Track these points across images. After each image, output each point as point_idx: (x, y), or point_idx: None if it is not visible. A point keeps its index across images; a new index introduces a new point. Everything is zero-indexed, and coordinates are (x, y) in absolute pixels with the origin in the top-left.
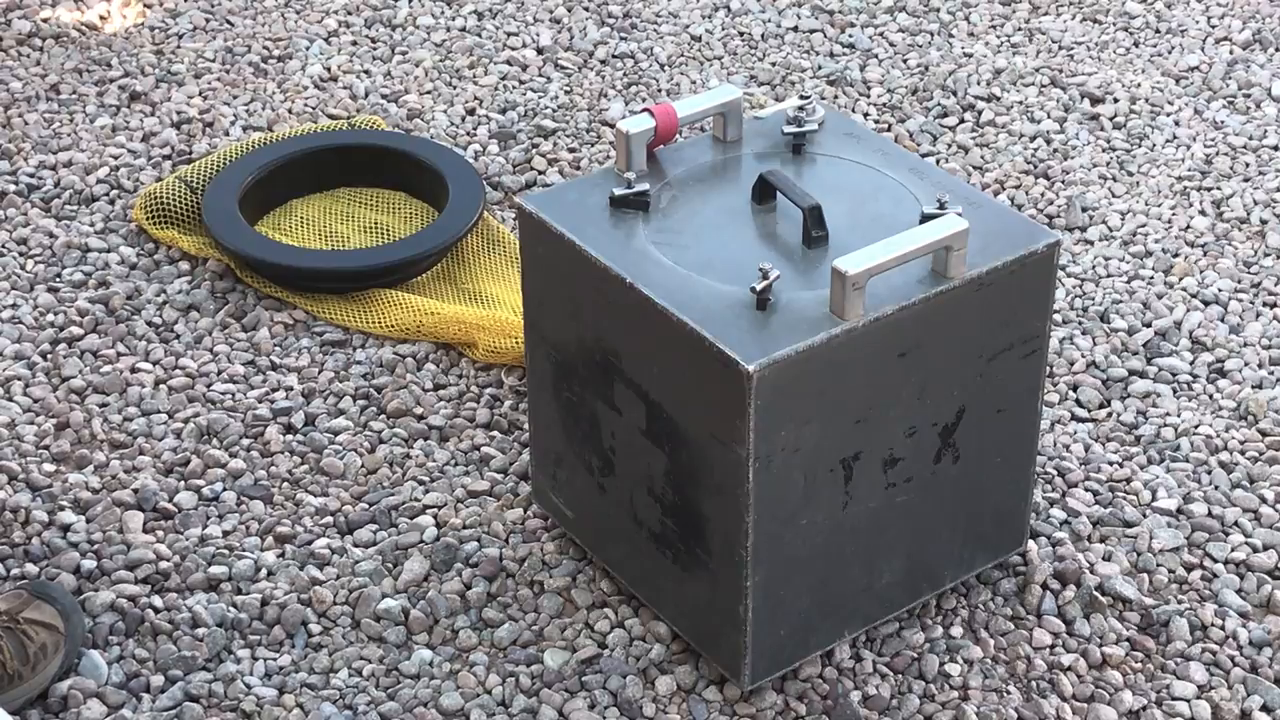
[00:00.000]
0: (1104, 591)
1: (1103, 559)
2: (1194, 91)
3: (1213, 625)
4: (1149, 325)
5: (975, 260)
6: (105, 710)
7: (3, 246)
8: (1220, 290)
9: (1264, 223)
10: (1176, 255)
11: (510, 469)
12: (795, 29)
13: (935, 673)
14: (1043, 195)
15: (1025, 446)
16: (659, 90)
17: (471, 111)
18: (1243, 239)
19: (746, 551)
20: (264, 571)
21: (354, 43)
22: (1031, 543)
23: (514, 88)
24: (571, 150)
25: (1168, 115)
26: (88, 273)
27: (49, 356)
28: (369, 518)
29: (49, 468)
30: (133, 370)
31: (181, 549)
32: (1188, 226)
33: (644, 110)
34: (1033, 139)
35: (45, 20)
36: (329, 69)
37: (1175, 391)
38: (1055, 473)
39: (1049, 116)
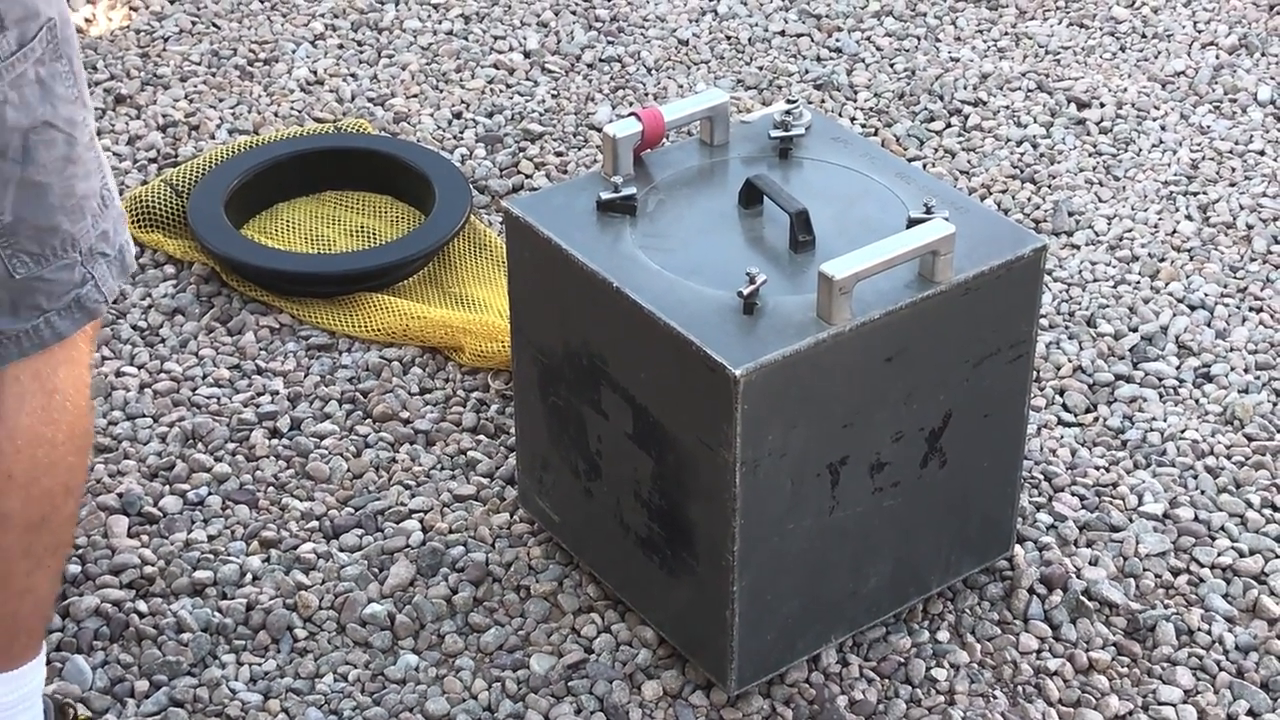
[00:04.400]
0: (1090, 596)
1: (1089, 563)
2: (1180, 96)
3: (1199, 630)
4: (1135, 330)
5: (962, 265)
6: (90, 716)
7: None
8: (1206, 295)
9: (1250, 227)
10: (1163, 260)
11: (497, 473)
12: (782, 33)
13: (922, 677)
14: (1029, 200)
15: (1012, 451)
16: (646, 94)
17: (458, 115)
18: (1229, 244)
19: (733, 556)
20: (249, 576)
21: (340, 46)
22: (1018, 547)
23: (501, 91)
24: (558, 154)
25: (1154, 120)
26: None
27: None
28: (355, 522)
29: None
30: (117, 374)
31: (166, 553)
32: (1174, 231)
33: (631, 114)
34: (1019, 143)
35: None
36: (315, 72)
37: (1161, 396)
38: (1042, 477)
39: (1035, 121)
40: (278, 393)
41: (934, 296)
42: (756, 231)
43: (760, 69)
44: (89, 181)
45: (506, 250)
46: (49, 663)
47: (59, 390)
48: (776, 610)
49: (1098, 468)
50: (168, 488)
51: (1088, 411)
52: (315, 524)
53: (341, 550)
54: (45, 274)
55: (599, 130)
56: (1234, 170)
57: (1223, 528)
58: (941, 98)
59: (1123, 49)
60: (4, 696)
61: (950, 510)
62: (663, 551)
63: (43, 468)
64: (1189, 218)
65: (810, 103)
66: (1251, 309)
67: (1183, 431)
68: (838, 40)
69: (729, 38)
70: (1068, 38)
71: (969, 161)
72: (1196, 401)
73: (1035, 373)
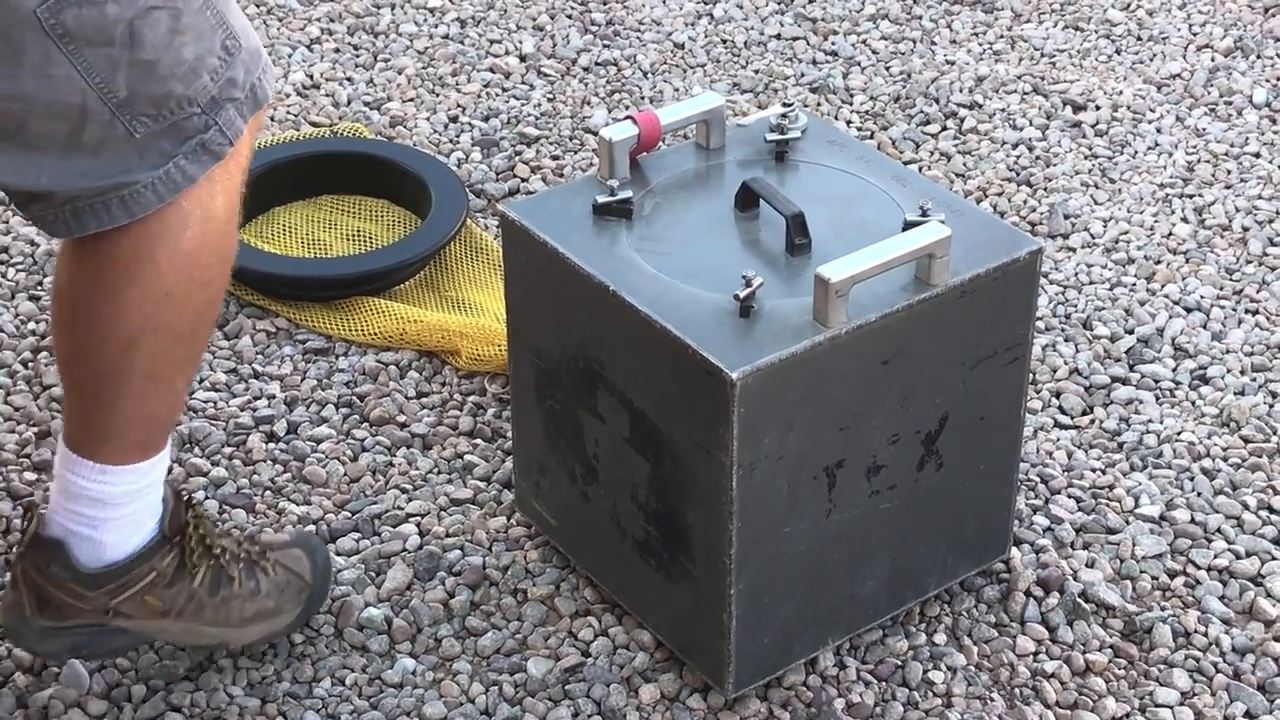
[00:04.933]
0: (1087, 598)
1: (1086, 566)
2: (1176, 99)
3: (1196, 632)
4: (1131, 332)
5: (958, 267)
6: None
7: None
8: (1202, 297)
9: (1245, 230)
10: (1159, 262)
11: (493, 477)
12: (778, 37)
13: (919, 680)
14: (1025, 203)
15: (1008, 453)
16: (642, 98)
17: (454, 119)
18: (1224, 246)
19: (730, 559)
20: None
21: (336, 50)
22: (1015, 550)
23: (497, 95)
24: (555, 158)
25: (1149, 123)
26: None
27: (30, 365)
28: (352, 526)
29: (30, 476)
30: None
31: None
32: (1170, 233)
33: (627, 118)
34: (1015, 146)
35: None
36: (311, 76)
37: (1158, 398)
38: (1038, 479)
39: (1031, 124)
40: (274, 396)
41: (930, 299)
42: (753, 234)
43: (756, 72)
44: (201, 44)
45: (503, 254)
46: (46, 667)
47: (215, 217)
48: (774, 613)
49: (1094, 470)
50: None
51: (1084, 414)
52: (312, 528)
53: (338, 554)
54: (165, 128)
55: (595, 134)
56: (1229, 173)
57: (1219, 530)
58: (937, 101)
59: (1118, 52)
60: (137, 483)
61: (947, 513)
62: (660, 555)
63: (197, 285)
64: (1185, 220)
65: (806, 106)
66: (1247, 311)
67: (1179, 433)
68: (833, 43)
69: (725, 41)
70: (1063, 40)
71: (965, 164)
72: (1193, 403)
73: (1031, 375)
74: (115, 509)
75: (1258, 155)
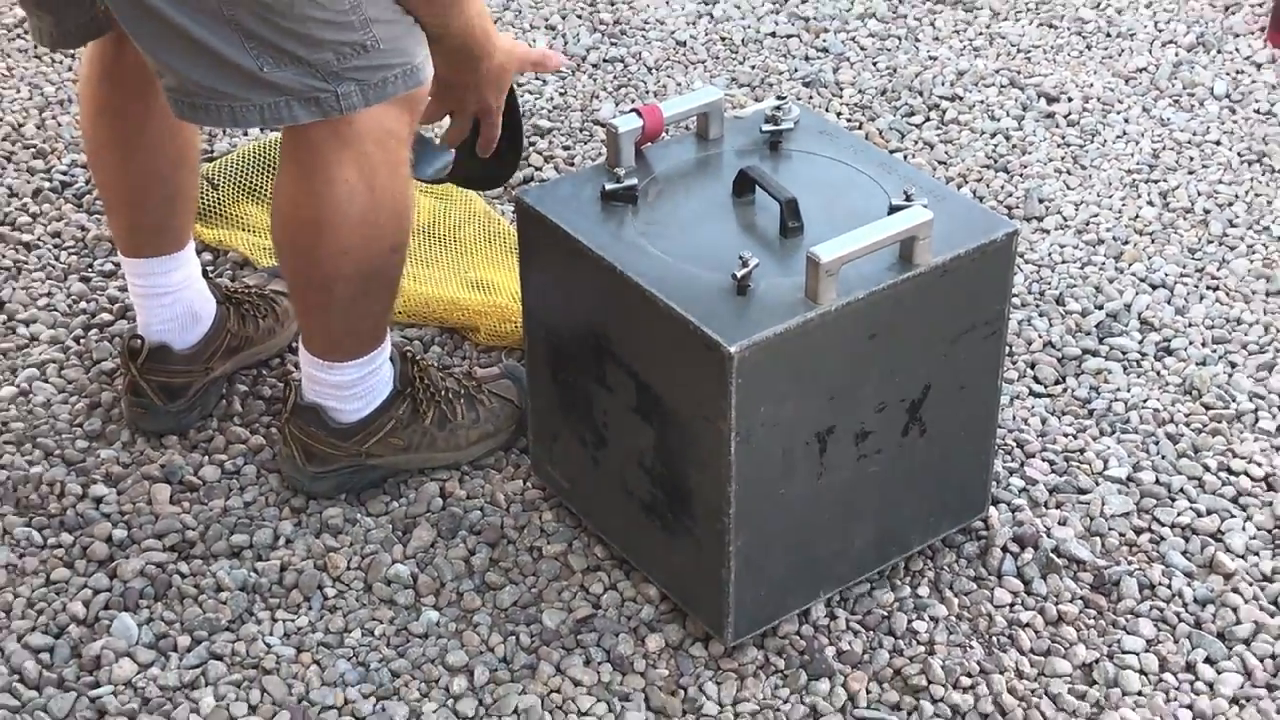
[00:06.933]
0: (1059, 554)
1: (1058, 523)
2: (1142, 91)
3: (1160, 584)
4: (1101, 308)
5: (940, 248)
6: (135, 668)
7: (39, 239)
8: (1167, 275)
9: (1206, 212)
10: (1126, 243)
11: (511, 444)
12: (773, 34)
13: (904, 629)
14: (1002, 188)
15: (986, 420)
16: (647, 92)
17: None
18: (1187, 227)
19: (729, 519)
20: (282, 540)
21: None
22: (992, 509)
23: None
24: (566, 148)
25: (1118, 113)
26: (117, 263)
27: (81, 341)
28: (380, 489)
29: (82, 444)
30: None
31: (206, 519)
32: (1137, 216)
33: (632, 110)
34: (993, 136)
35: None
36: None
37: (1125, 369)
38: (1014, 444)
39: (1008, 115)
40: None
41: (914, 278)
42: (749, 219)
43: (752, 68)
44: (336, 33)
45: (518, 237)
46: (98, 619)
47: (379, 187)
48: (769, 569)
49: (1066, 435)
50: (207, 458)
51: (1057, 383)
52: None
53: (367, 515)
54: (288, 75)
55: (603, 125)
56: (1192, 159)
57: (1182, 490)
58: (921, 94)
59: (1089, 47)
60: (363, 370)
61: (929, 475)
62: (664, 515)
63: (371, 240)
64: (1150, 203)
65: (799, 99)
66: (1209, 287)
67: (1145, 401)
68: (824, 41)
69: (723, 39)
70: (1038, 37)
71: (946, 153)
72: (1158, 373)
73: (1008, 348)
74: (351, 388)
75: (1218, 143)
